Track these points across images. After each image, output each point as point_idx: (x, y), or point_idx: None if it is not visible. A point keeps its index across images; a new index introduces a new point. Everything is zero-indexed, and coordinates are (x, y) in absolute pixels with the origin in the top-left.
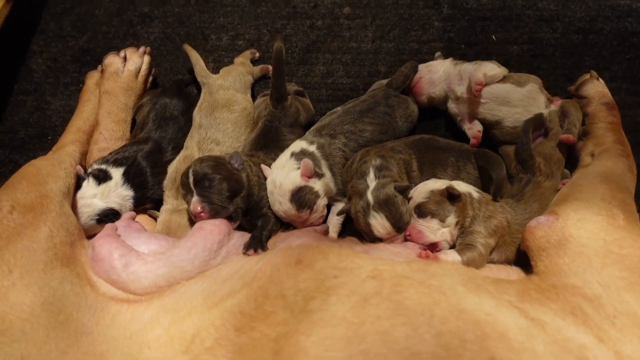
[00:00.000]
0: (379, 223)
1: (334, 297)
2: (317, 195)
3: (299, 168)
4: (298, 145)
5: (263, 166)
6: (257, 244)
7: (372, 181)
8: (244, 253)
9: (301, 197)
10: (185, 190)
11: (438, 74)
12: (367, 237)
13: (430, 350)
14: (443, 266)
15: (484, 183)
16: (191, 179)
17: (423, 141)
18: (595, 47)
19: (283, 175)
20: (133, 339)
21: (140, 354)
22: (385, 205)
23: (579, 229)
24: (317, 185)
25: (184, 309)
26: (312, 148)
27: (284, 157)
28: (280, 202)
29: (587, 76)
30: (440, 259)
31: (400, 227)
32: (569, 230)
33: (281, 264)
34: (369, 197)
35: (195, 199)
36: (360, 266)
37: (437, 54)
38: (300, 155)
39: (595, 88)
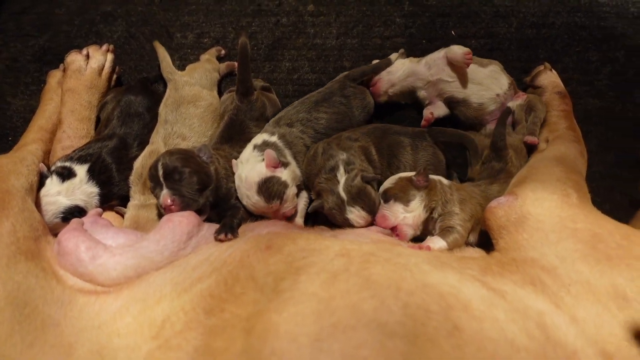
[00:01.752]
0: (356, 216)
1: (304, 275)
2: (285, 185)
3: (262, 160)
4: (260, 137)
5: (234, 161)
6: (228, 230)
7: (342, 176)
8: (216, 238)
9: (269, 188)
10: (154, 183)
11: (397, 75)
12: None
13: (397, 321)
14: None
15: (447, 160)
16: (160, 172)
17: (378, 128)
18: (548, 40)
19: (248, 168)
20: (102, 328)
21: (109, 342)
22: (359, 197)
23: (537, 207)
24: (284, 174)
25: (153, 298)
26: (274, 138)
27: (247, 150)
28: (248, 196)
29: (541, 68)
30: (432, 248)
31: (375, 212)
32: (527, 208)
33: (251, 250)
34: (342, 193)
35: (165, 191)
36: (328, 247)
37: (401, 50)
38: (262, 147)
39: (549, 78)
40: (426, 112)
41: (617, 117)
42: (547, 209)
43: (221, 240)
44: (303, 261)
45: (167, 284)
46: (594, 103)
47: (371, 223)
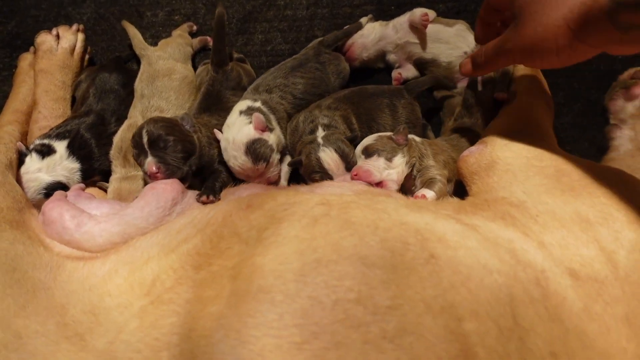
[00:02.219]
0: (328, 156)
1: (286, 222)
2: (271, 149)
3: (250, 122)
4: (243, 104)
5: (215, 130)
6: (209, 192)
7: (321, 133)
8: (198, 200)
9: (256, 150)
10: (138, 150)
11: (370, 38)
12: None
13: (376, 254)
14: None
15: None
16: (145, 139)
17: (354, 93)
18: None
19: (235, 130)
20: (93, 290)
21: (101, 302)
22: (334, 143)
23: (505, 151)
24: (270, 138)
25: (141, 260)
26: (258, 104)
27: (233, 116)
28: (235, 157)
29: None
30: (427, 197)
31: (348, 162)
32: (497, 153)
33: (233, 210)
34: (319, 139)
35: (150, 159)
36: (308, 199)
37: (369, 16)
38: (248, 111)
39: None
40: (394, 73)
41: (582, 70)
42: (514, 152)
43: (203, 202)
44: (284, 212)
45: (153, 246)
46: None
47: (342, 176)
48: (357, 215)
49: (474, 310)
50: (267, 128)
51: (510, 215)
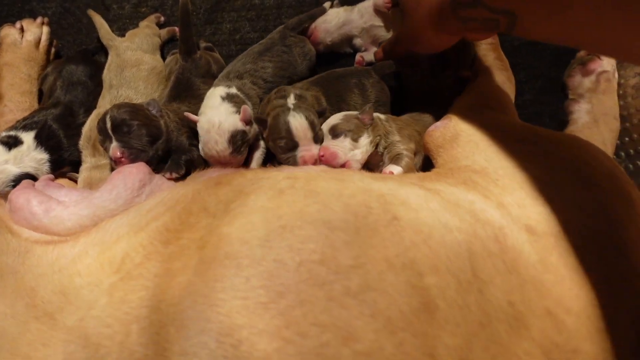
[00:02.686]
0: (297, 121)
1: (253, 195)
2: (248, 142)
3: (237, 112)
4: (221, 90)
5: (186, 113)
6: (175, 167)
7: (292, 100)
8: (164, 175)
9: (237, 141)
10: (103, 136)
11: (333, 23)
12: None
13: (339, 218)
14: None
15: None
16: (109, 124)
17: (322, 77)
18: None
19: (222, 115)
20: (62, 272)
21: (71, 282)
22: (305, 110)
23: (468, 124)
24: (250, 132)
25: (110, 240)
26: (233, 90)
27: (215, 100)
28: (216, 141)
29: None
30: (394, 174)
31: (316, 134)
32: (460, 126)
33: (202, 188)
34: (289, 104)
35: (114, 144)
36: (276, 174)
37: (335, 1)
38: (230, 98)
39: None
40: (357, 57)
41: (541, 49)
42: (476, 124)
43: (170, 179)
44: (252, 187)
45: (123, 226)
46: (520, 39)
47: (315, 160)
48: (322, 185)
49: (435, 265)
50: (250, 121)
51: (472, 181)
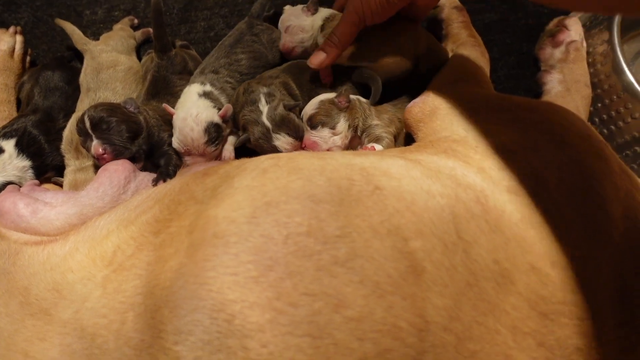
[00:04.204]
0: (284, 142)
1: (237, 177)
2: (222, 138)
3: (215, 107)
4: (198, 87)
5: (165, 105)
6: (165, 176)
7: (264, 106)
8: (154, 185)
9: (212, 133)
10: (83, 136)
11: (307, 22)
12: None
13: (323, 191)
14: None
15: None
16: (87, 124)
17: (294, 65)
18: None
19: (201, 107)
20: (54, 270)
21: (64, 279)
22: (283, 124)
23: (445, 97)
24: (225, 130)
25: (100, 235)
26: (208, 87)
27: (192, 97)
28: (192, 129)
29: None
30: (376, 150)
31: (301, 136)
32: (438, 100)
33: (189, 179)
34: (266, 122)
35: (95, 142)
36: (260, 158)
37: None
38: (206, 95)
39: None
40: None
41: (512, 26)
42: (454, 96)
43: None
44: (237, 170)
45: (112, 222)
46: (491, 17)
47: (298, 148)
48: (305, 162)
49: (419, 230)
50: (228, 120)
51: (452, 149)
